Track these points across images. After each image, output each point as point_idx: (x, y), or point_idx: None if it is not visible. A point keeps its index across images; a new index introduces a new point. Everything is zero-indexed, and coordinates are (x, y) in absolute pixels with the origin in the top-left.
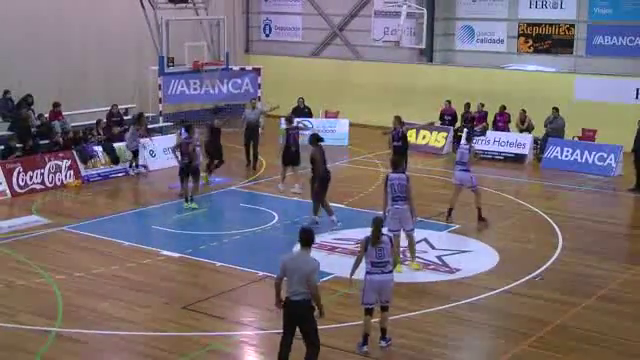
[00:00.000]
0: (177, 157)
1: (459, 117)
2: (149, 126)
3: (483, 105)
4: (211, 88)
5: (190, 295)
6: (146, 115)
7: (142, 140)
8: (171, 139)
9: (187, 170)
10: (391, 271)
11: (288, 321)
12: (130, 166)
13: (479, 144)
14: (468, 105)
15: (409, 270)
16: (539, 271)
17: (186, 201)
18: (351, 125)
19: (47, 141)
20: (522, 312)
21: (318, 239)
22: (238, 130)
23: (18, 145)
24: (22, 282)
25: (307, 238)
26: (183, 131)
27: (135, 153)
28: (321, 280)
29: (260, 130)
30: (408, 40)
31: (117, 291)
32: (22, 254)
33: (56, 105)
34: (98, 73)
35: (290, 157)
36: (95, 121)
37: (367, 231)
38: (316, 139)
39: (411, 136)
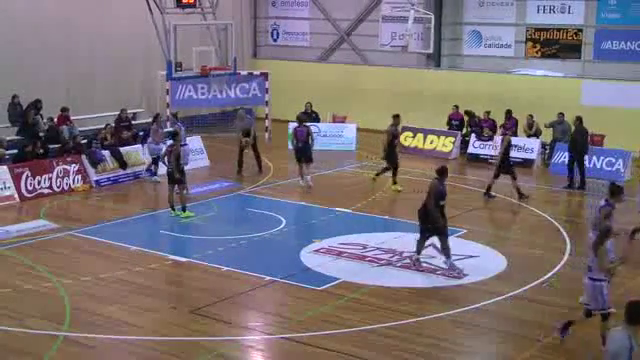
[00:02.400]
0: (165, 163)
1: (466, 122)
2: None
3: (489, 112)
4: (219, 93)
5: (197, 300)
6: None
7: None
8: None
9: (171, 177)
10: (591, 278)
11: None
12: (147, 170)
13: (487, 149)
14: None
15: None
16: (547, 276)
17: (172, 209)
18: (358, 130)
19: (55, 145)
20: (530, 317)
21: (325, 244)
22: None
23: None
24: (30, 286)
25: (629, 312)
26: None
27: (155, 160)
28: (328, 285)
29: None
30: (415, 45)
31: (124, 295)
32: (30, 258)
33: (64, 110)
34: (106, 78)
35: (297, 153)
36: (104, 126)
37: (371, 236)
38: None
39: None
